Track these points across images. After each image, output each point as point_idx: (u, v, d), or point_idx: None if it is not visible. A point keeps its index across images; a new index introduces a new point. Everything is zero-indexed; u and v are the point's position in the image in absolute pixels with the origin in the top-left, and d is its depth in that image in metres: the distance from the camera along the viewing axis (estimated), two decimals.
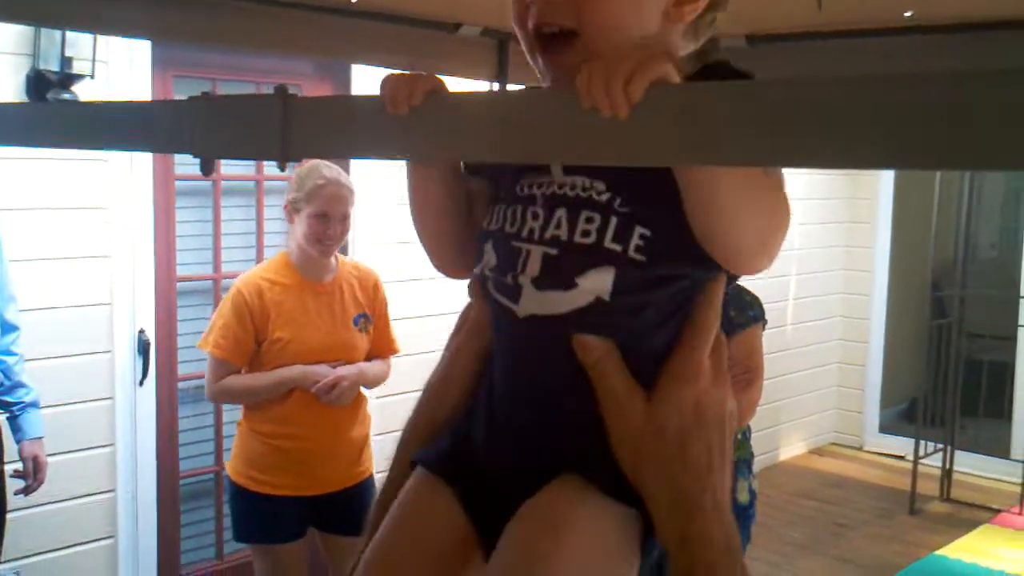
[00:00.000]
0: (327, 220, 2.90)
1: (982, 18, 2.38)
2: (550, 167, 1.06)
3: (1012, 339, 6.36)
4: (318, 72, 4.11)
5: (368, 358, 3.09)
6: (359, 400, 3.08)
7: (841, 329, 7.01)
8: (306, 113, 0.92)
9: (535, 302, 1.04)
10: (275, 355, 2.92)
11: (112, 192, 3.52)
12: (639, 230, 0.99)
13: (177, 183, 3.80)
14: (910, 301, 6.71)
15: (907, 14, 2.46)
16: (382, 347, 3.15)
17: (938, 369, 5.98)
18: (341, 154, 1.10)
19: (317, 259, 2.98)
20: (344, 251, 4.22)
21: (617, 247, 1.00)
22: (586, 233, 1.01)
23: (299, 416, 2.95)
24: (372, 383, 3.12)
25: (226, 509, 3.24)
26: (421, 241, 1.22)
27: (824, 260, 6.68)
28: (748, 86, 0.67)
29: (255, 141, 0.97)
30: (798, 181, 6.02)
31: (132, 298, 3.50)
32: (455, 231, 1.17)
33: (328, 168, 2.95)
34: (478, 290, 1.14)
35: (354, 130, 0.89)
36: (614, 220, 1.00)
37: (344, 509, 3.03)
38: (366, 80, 4.00)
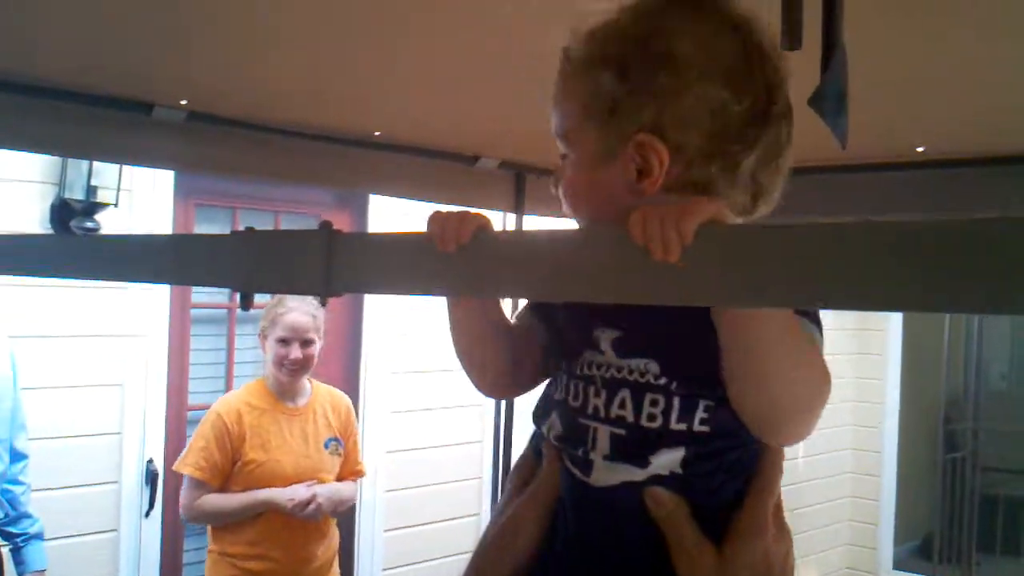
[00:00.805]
0: (289, 344, 3.03)
1: (992, 153, 2.43)
2: (602, 347, 1.08)
3: None
4: (337, 202, 4.18)
5: (336, 477, 3.16)
6: (326, 519, 3.12)
7: (852, 462, 6.92)
8: (350, 249, 0.93)
9: (608, 473, 1.06)
10: (248, 475, 2.98)
11: (128, 319, 3.53)
12: (702, 403, 1.01)
13: (193, 311, 3.82)
14: (922, 434, 6.64)
15: (919, 149, 2.51)
16: (347, 470, 3.22)
17: (953, 504, 5.88)
18: (385, 290, 1.10)
19: (288, 383, 3.09)
20: (355, 381, 4.27)
21: (683, 426, 1.02)
22: (652, 417, 1.03)
23: (268, 537, 2.97)
24: (344, 503, 3.17)
25: None
26: (465, 369, 1.22)
27: (834, 391, 6.59)
28: (799, 228, 0.68)
29: (299, 276, 0.97)
30: None
31: (142, 427, 3.47)
32: (499, 356, 1.18)
33: (294, 298, 3.08)
34: (552, 454, 1.13)
35: (398, 266, 0.90)
36: (676, 401, 1.02)
37: None
38: (384, 210, 4.07)
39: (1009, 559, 6.34)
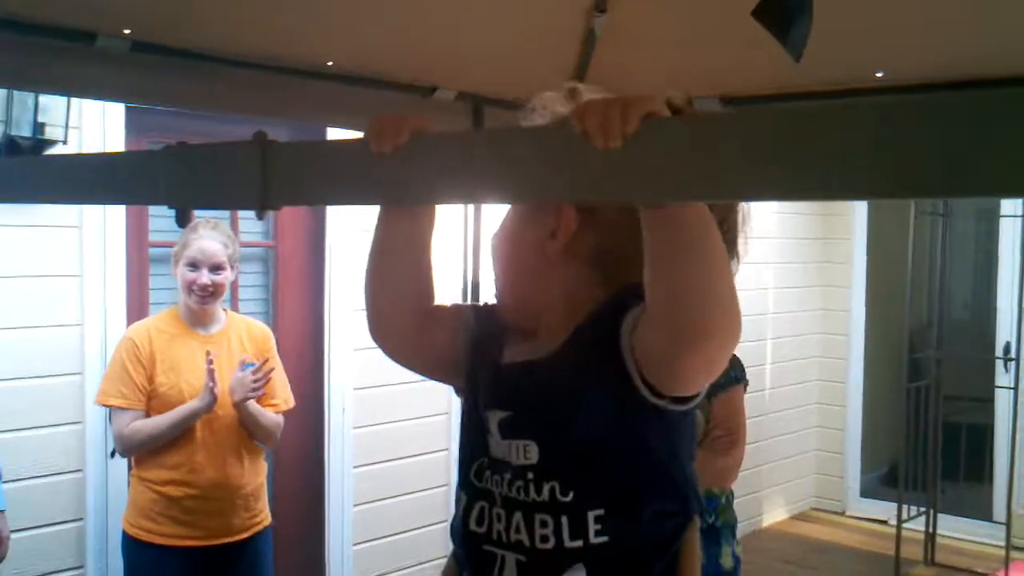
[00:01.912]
0: (197, 269, 2.98)
1: (949, 78, 2.41)
2: (491, 427, 1.09)
3: (990, 401, 6.36)
4: (293, 137, 4.10)
5: (259, 405, 3.08)
6: (253, 450, 3.07)
7: (818, 393, 7.00)
8: (286, 158, 0.89)
9: None
10: (159, 400, 2.93)
11: (85, 259, 3.47)
12: (591, 515, 1.03)
13: (151, 250, 3.76)
14: (887, 364, 6.71)
15: (878, 74, 2.49)
16: (271, 397, 3.12)
17: (917, 432, 5.96)
18: (323, 200, 1.07)
19: (199, 311, 3.03)
20: (320, 318, 4.24)
21: (578, 543, 1.04)
22: (544, 538, 1.04)
23: (187, 461, 2.93)
24: (265, 427, 3.07)
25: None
26: (366, 293, 1.19)
27: (799, 323, 6.69)
28: (743, 116, 0.65)
29: (233, 189, 0.94)
30: (772, 242, 6.06)
31: (103, 367, 3.42)
32: (406, 300, 1.16)
33: (208, 222, 3.02)
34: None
35: (336, 173, 0.87)
36: (564, 519, 1.03)
37: (238, 561, 3.03)
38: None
39: (972, 485, 6.46)
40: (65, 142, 3.24)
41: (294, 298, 4.29)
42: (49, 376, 3.41)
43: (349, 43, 2.38)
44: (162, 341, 2.98)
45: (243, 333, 3.13)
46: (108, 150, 3.46)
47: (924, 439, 5.92)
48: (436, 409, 4.54)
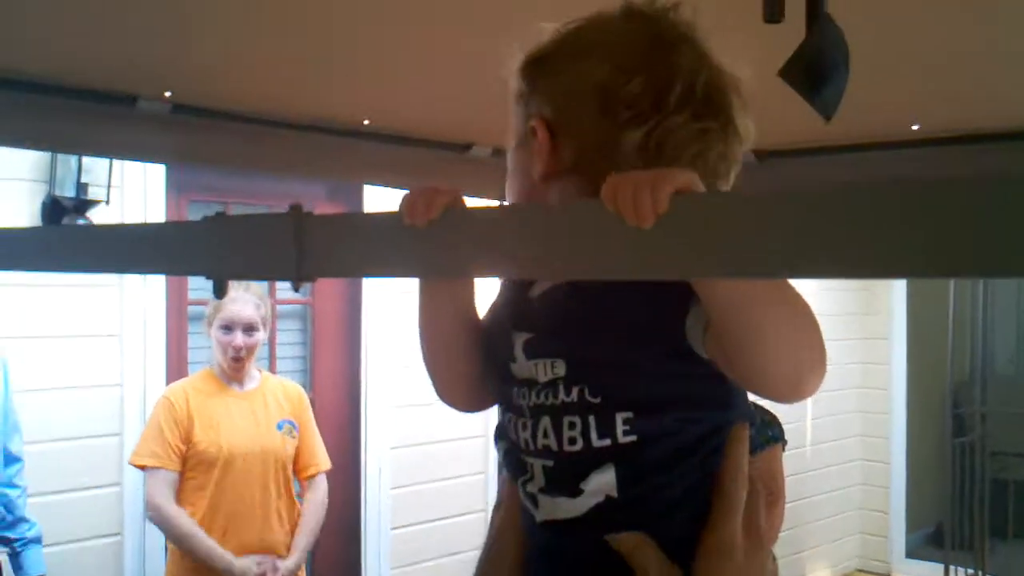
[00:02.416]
0: (231, 332, 3.02)
1: (987, 129, 2.39)
2: (515, 352, 1.07)
3: None
4: (330, 195, 4.14)
5: (296, 467, 3.13)
6: (291, 508, 3.11)
7: (861, 449, 6.87)
8: (321, 231, 0.90)
9: (550, 507, 1.06)
10: (199, 457, 2.95)
11: (125, 318, 3.50)
12: (620, 416, 1.00)
13: (190, 308, 3.79)
14: (930, 419, 6.59)
15: (914, 127, 2.47)
16: (309, 459, 3.17)
17: (963, 489, 5.83)
18: (358, 273, 1.08)
19: (233, 372, 3.07)
20: (357, 376, 4.23)
21: (606, 442, 1.01)
22: (572, 440, 1.02)
23: (225, 526, 2.96)
24: (317, 528, 3.15)
25: None
26: (426, 365, 1.19)
27: (840, 378, 6.59)
28: (778, 196, 0.64)
29: (269, 261, 0.94)
30: (809, 297, 5.98)
31: (142, 428, 3.44)
32: (464, 359, 1.15)
33: (239, 286, 3.07)
34: (511, 487, 1.15)
35: (370, 247, 0.87)
36: (592, 419, 1.00)
37: None
38: (378, 201, 4.04)
39: (1022, 543, 6.30)
40: (107, 202, 3.30)
41: (331, 356, 4.31)
42: (88, 437, 3.43)
43: (385, 102, 2.40)
44: (199, 400, 3.01)
45: (278, 392, 3.16)
46: (150, 209, 3.52)
47: (971, 496, 5.79)
48: (473, 469, 4.51)
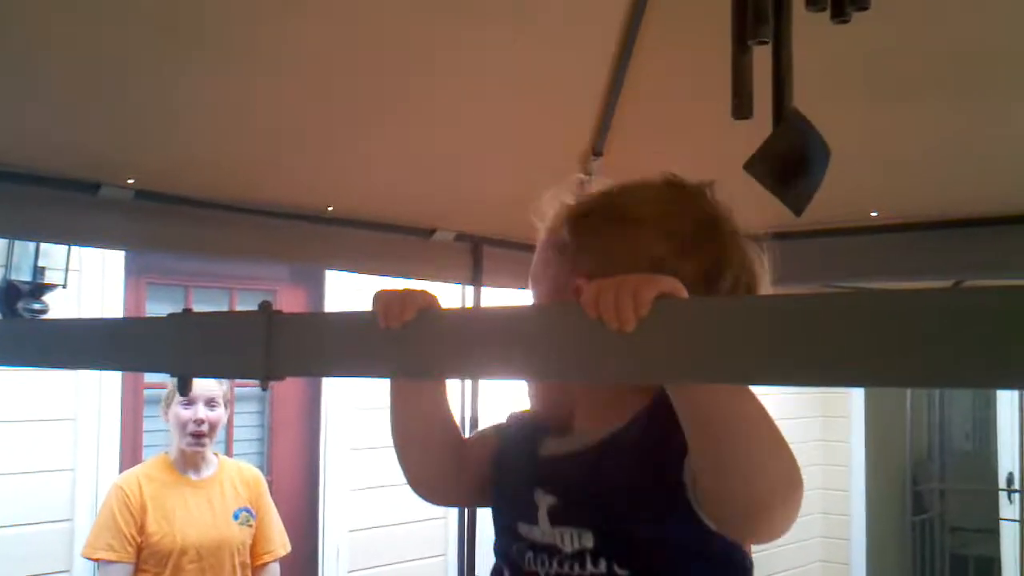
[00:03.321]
0: (193, 405, 2.93)
1: (944, 217, 2.44)
2: (538, 516, 1.06)
3: (995, 531, 6.25)
4: (293, 278, 4.12)
5: (251, 554, 3.02)
6: None
7: (822, 526, 6.87)
8: (291, 330, 0.89)
9: None
10: (152, 549, 2.84)
11: (80, 402, 3.44)
12: None
13: (146, 391, 3.74)
14: (889, 496, 6.61)
15: (873, 214, 2.52)
16: (263, 546, 3.07)
17: (923, 565, 5.83)
18: (328, 372, 1.06)
19: (193, 455, 2.97)
20: (315, 458, 4.17)
21: None
22: None
23: None
24: None
25: None
26: (399, 459, 1.17)
27: (800, 455, 6.55)
28: (759, 300, 0.65)
29: (237, 359, 0.93)
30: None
31: (94, 513, 3.35)
32: (436, 455, 1.14)
33: None
34: None
35: (342, 347, 0.86)
36: None
37: None
38: (340, 285, 4.02)
39: None
40: (65, 286, 3.25)
41: (289, 439, 4.25)
42: (38, 523, 3.34)
43: (349, 189, 2.41)
44: (153, 489, 2.91)
45: (235, 477, 3.07)
46: (108, 293, 3.47)
47: (932, 573, 5.78)
48: (433, 551, 4.44)
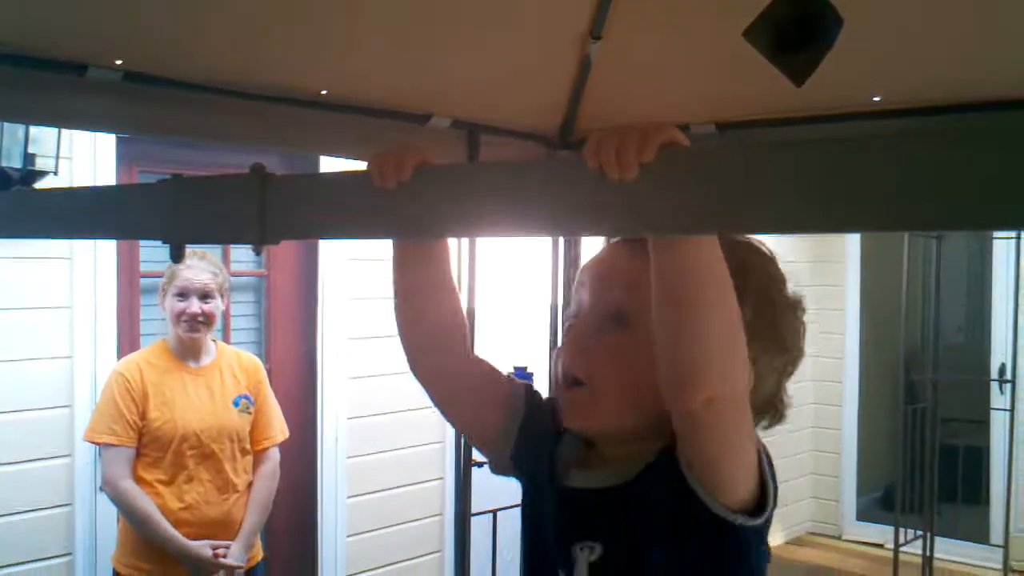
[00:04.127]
0: (186, 299, 2.95)
1: (949, 100, 2.40)
2: (573, 567, 1.08)
3: (985, 423, 6.34)
4: (285, 165, 4.08)
5: (251, 441, 3.07)
6: (247, 483, 3.06)
7: (814, 417, 6.97)
8: (285, 191, 0.87)
9: None
10: (153, 435, 2.89)
11: (75, 291, 3.44)
12: None
13: (142, 281, 3.73)
14: (883, 386, 6.69)
15: (876, 98, 2.48)
16: (262, 431, 3.11)
17: (914, 454, 5.92)
18: (324, 234, 1.05)
19: (190, 342, 2.99)
20: (313, 348, 4.20)
21: None
22: None
23: (180, 498, 2.91)
24: (267, 503, 3.10)
25: None
26: (402, 339, 1.16)
27: None
28: (764, 147, 0.63)
29: (230, 224, 0.91)
30: None
31: (92, 401, 3.37)
32: (442, 331, 1.12)
33: (195, 252, 3.00)
34: None
35: (337, 208, 0.84)
36: None
37: None
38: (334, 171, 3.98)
39: (969, 507, 6.43)
40: (56, 173, 3.21)
41: (286, 328, 4.26)
42: (37, 409, 3.37)
43: (343, 72, 2.36)
44: (153, 375, 2.94)
45: (234, 364, 3.10)
46: (100, 181, 3.44)
47: (921, 461, 5.88)
48: (431, 438, 4.50)
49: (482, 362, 1.18)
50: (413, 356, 1.17)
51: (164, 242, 0.96)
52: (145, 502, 2.84)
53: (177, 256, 0.96)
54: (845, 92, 2.44)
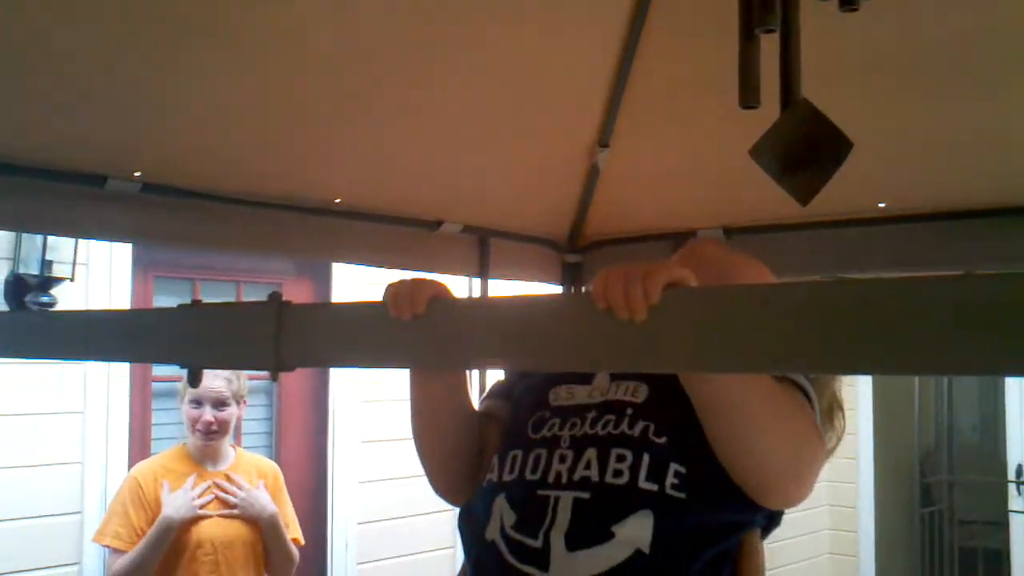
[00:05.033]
0: (201, 407, 2.94)
1: (951, 207, 2.43)
2: (595, 375, 1.05)
3: (1004, 524, 6.23)
4: (300, 270, 4.12)
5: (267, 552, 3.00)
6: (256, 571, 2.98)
7: (829, 519, 6.86)
8: (301, 321, 0.89)
9: (566, 568, 0.97)
10: (169, 543, 2.83)
11: (89, 396, 3.45)
12: (674, 466, 0.97)
13: (155, 385, 3.74)
14: (897, 488, 6.60)
15: (880, 205, 2.51)
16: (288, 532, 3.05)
17: (932, 558, 5.82)
18: (339, 363, 1.06)
19: (205, 448, 2.97)
20: (323, 451, 4.18)
21: (653, 486, 0.97)
22: (618, 472, 0.99)
23: None
24: (287, 552, 2.99)
25: None
26: (421, 459, 1.17)
27: None
28: (768, 289, 0.64)
29: (247, 350, 0.93)
30: None
31: (103, 507, 3.36)
32: (461, 449, 1.13)
33: None
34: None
35: (353, 338, 0.86)
36: (647, 457, 0.98)
37: None
38: (346, 277, 4.02)
39: None
40: (72, 279, 3.26)
41: (297, 431, 4.25)
42: (47, 516, 3.35)
43: (356, 181, 2.41)
44: (170, 479, 2.91)
45: (252, 471, 3.08)
46: (115, 286, 3.48)
47: (940, 566, 5.77)
48: (441, 543, 4.45)
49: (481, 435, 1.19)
50: (435, 475, 1.17)
51: (181, 367, 0.97)
52: (126, 556, 2.80)
53: (194, 381, 0.98)
54: (850, 199, 2.47)
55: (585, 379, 1.07)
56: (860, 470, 6.73)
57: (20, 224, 2.44)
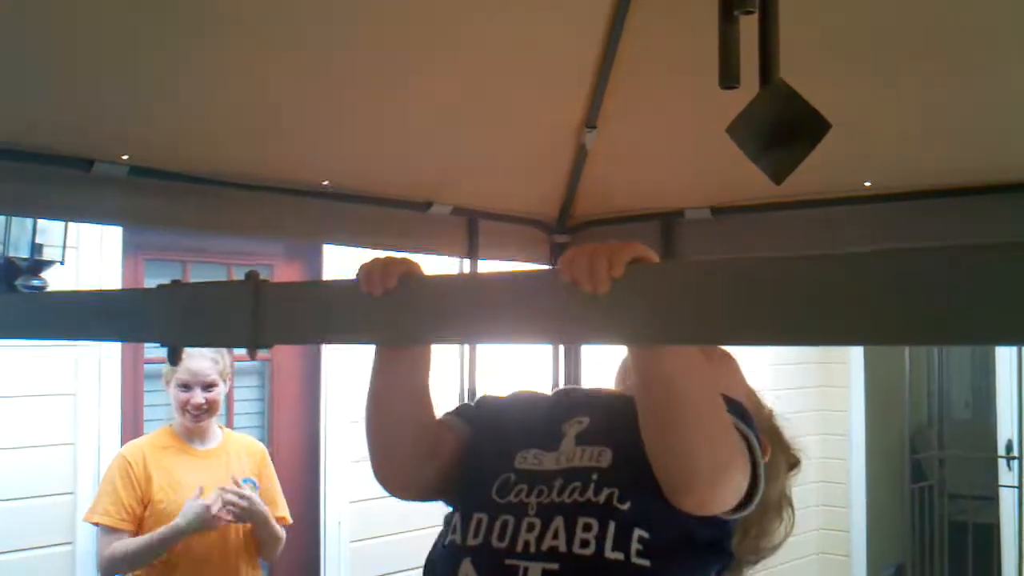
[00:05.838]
0: (190, 389, 2.97)
1: (937, 186, 2.45)
2: (561, 440, 1.07)
3: (994, 499, 6.28)
4: (289, 253, 4.14)
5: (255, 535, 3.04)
6: (253, 566, 3.03)
7: (821, 495, 6.91)
8: (278, 299, 0.90)
9: None
10: (158, 518, 2.87)
11: (80, 377, 3.46)
12: (638, 532, 0.99)
13: (146, 366, 3.76)
14: (888, 464, 6.64)
15: (866, 183, 2.53)
16: (273, 512, 3.08)
17: (923, 533, 5.87)
18: (314, 339, 1.08)
19: (194, 428, 3.01)
20: (316, 431, 4.20)
21: (619, 555, 0.99)
22: (585, 543, 1.00)
23: None
24: (274, 534, 3.03)
25: None
26: (369, 443, 1.19)
27: (798, 424, 6.59)
28: (731, 263, 0.66)
29: (225, 329, 0.95)
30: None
31: (96, 488, 3.38)
32: (409, 440, 1.15)
33: None
34: None
35: (327, 314, 0.88)
36: (612, 525, 0.99)
37: None
38: (338, 260, 4.03)
39: None
40: (63, 262, 3.26)
41: (289, 411, 4.27)
42: (40, 496, 3.37)
43: (345, 163, 2.42)
44: (157, 459, 2.94)
45: (240, 451, 3.11)
46: (106, 270, 3.49)
47: (930, 540, 5.82)
48: (435, 521, 4.47)
49: (439, 432, 1.21)
50: (380, 464, 1.19)
51: (162, 345, 0.99)
52: (131, 540, 2.83)
53: (174, 359, 0.99)
54: (836, 178, 2.49)
55: (552, 445, 1.09)
56: (852, 446, 6.78)
57: (7, 208, 2.45)
